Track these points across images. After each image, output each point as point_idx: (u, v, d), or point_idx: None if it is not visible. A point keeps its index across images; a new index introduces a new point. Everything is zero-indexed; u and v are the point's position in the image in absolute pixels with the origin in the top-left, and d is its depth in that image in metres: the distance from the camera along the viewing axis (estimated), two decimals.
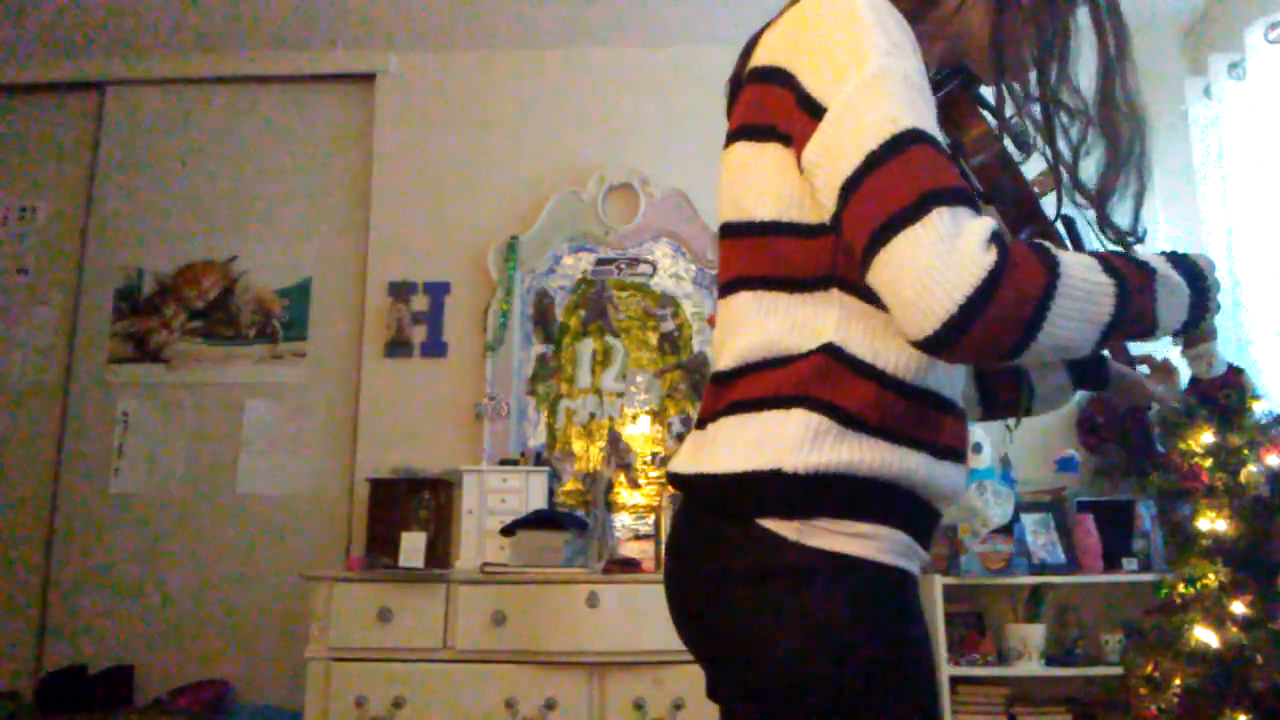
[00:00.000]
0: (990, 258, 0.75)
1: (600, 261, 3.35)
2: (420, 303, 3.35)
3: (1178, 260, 0.90)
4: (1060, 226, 1.03)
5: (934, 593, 2.65)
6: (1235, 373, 2.54)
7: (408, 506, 2.91)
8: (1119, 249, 0.97)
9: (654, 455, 3.19)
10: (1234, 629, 2.25)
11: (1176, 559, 2.47)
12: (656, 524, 3.08)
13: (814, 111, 0.84)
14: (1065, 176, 0.98)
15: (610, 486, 3.14)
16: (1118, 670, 2.61)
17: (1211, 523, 2.36)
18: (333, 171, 3.54)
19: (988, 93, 1.08)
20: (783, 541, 0.84)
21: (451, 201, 3.44)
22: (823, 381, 0.86)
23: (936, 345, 0.77)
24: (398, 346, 3.32)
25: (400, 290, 3.35)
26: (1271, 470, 2.34)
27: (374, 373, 3.32)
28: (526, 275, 3.33)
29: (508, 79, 3.53)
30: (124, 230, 3.52)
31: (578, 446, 3.21)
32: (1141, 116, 0.96)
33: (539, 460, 3.13)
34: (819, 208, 0.87)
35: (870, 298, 0.87)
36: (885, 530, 0.85)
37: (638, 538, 3.08)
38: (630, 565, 2.77)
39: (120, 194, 3.55)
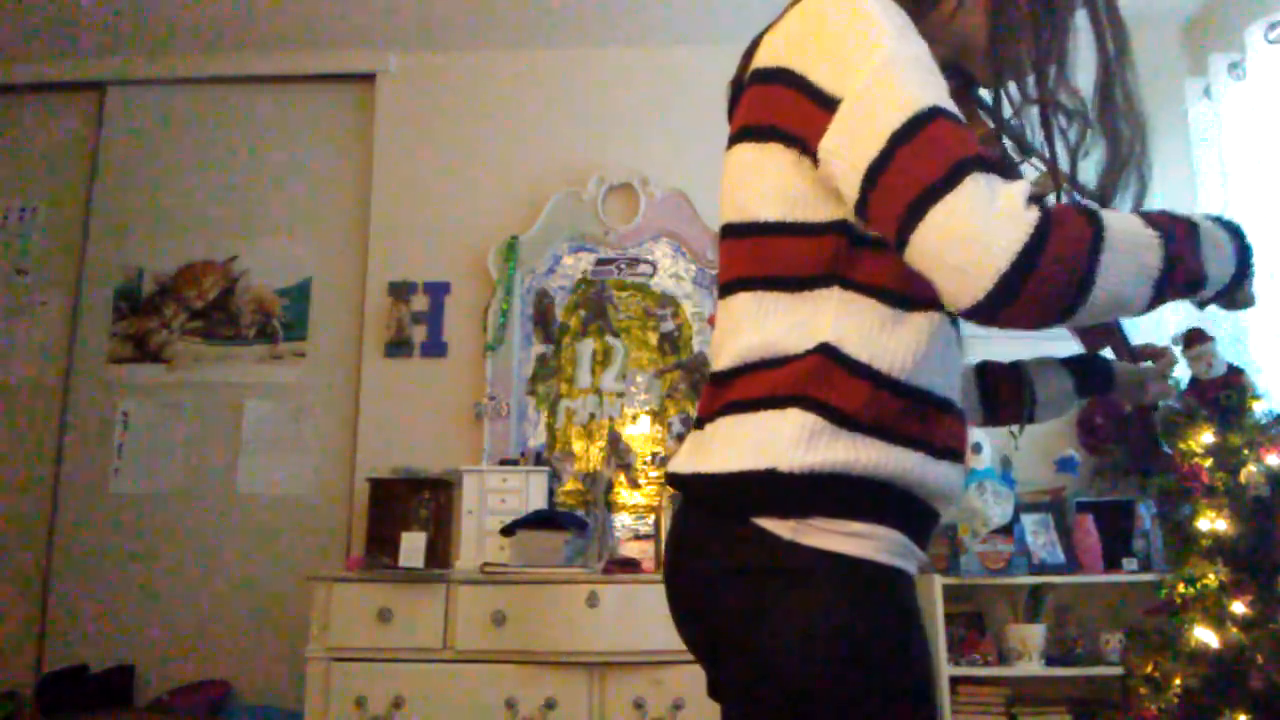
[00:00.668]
0: (1034, 214, 0.75)
1: (600, 261, 3.35)
2: (420, 303, 3.35)
3: (1214, 218, 0.89)
4: None
5: (934, 593, 2.65)
6: (1235, 373, 2.54)
7: (408, 506, 2.91)
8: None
9: (654, 455, 3.19)
10: (1234, 629, 2.24)
11: (1176, 559, 2.47)
12: (656, 524, 3.09)
13: (827, 104, 0.84)
14: (1064, 178, 0.98)
15: (610, 486, 3.14)
16: (1118, 670, 2.61)
17: (1211, 523, 2.36)
18: (333, 171, 3.54)
19: (988, 95, 1.08)
20: (778, 541, 0.84)
21: (451, 201, 3.44)
22: (818, 381, 0.86)
23: (991, 309, 0.76)
24: (398, 346, 3.32)
25: (400, 290, 3.35)
26: (1271, 470, 2.34)
27: (374, 373, 3.32)
28: (526, 275, 3.34)
29: (508, 79, 3.53)
30: (124, 230, 3.52)
31: (578, 446, 3.22)
32: (1141, 117, 0.97)
33: (539, 460, 3.13)
34: (823, 206, 0.88)
35: (872, 293, 0.87)
36: (881, 530, 0.85)
37: (638, 538, 3.08)
38: (630, 565, 2.77)
39: (120, 194, 3.55)
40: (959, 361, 0.96)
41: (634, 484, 3.17)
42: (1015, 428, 1.28)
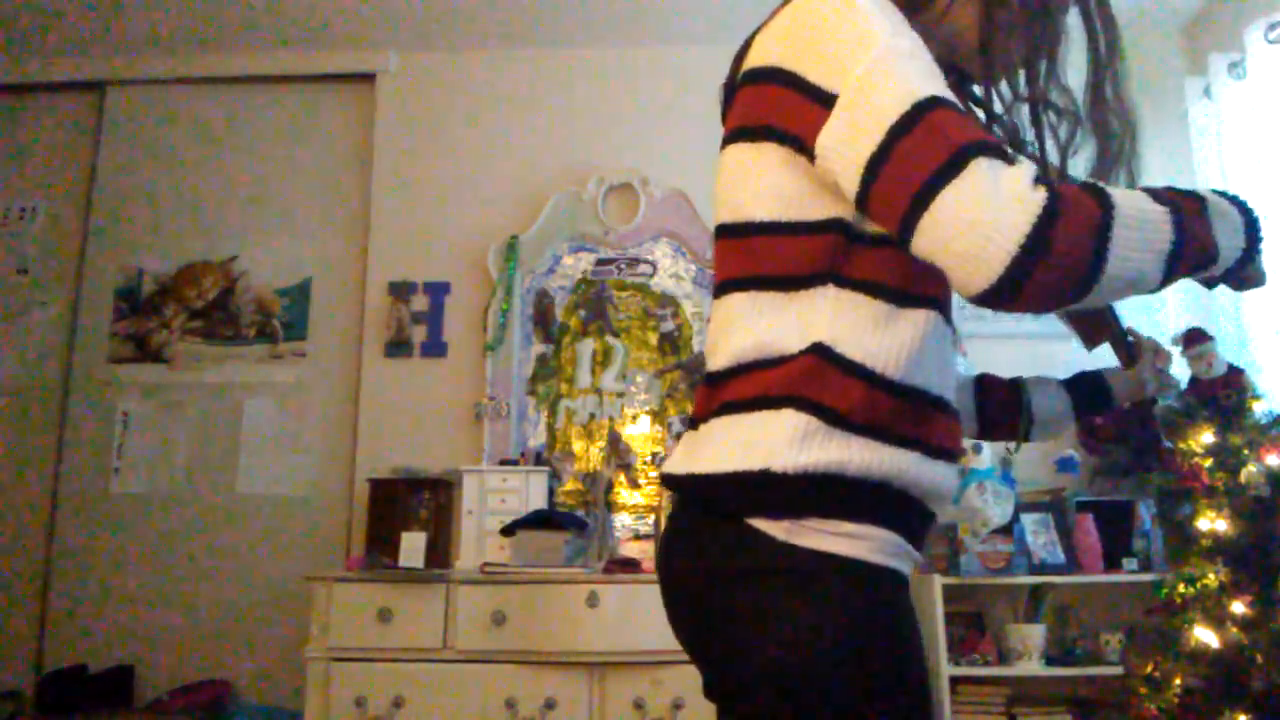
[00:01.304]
0: (1041, 195, 0.74)
1: (600, 261, 3.35)
2: (420, 303, 3.35)
3: (1219, 193, 0.88)
4: None
5: (934, 593, 2.65)
6: (1235, 373, 2.54)
7: (408, 506, 2.91)
8: None
9: (654, 455, 3.19)
10: (1234, 629, 2.25)
11: (1176, 559, 2.47)
12: (656, 524, 3.08)
13: (823, 100, 0.84)
14: (1055, 175, 0.98)
15: (610, 486, 3.14)
16: (1118, 670, 2.61)
17: (1211, 523, 2.36)
18: (333, 171, 3.54)
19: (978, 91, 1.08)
20: (772, 541, 0.84)
21: (451, 201, 3.44)
22: (812, 381, 0.86)
23: (1002, 294, 0.75)
24: (398, 346, 3.32)
25: (400, 290, 3.35)
26: (1271, 470, 2.34)
27: (374, 373, 3.32)
28: (526, 275, 3.34)
29: (508, 79, 3.53)
30: (124, 230, 3.52)
31: (578, 446, 3.22)
32: (1132, 114, 0.97)
33: (539, 460, 3.13)
34: (819, 204, 0.87)
35: (867, 289, 0.87)
36: (875, 530, 0.85)
37: (638, 538, 3.08)
38: (630, 565, 2.77)
39: (120, 194, 3.55)
40: (954, 361, 0.95)
41: (634, 484, 3.16)
42: (1011, 445, 1.28)
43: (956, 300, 0.91)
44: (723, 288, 0.95)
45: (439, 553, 2.86)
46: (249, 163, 3.56)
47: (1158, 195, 0.81)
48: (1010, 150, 0.87)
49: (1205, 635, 2.27)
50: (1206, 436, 2.46)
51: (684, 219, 3.33)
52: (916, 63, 0.83)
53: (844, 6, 0.85)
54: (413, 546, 2.71)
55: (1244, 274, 0.91)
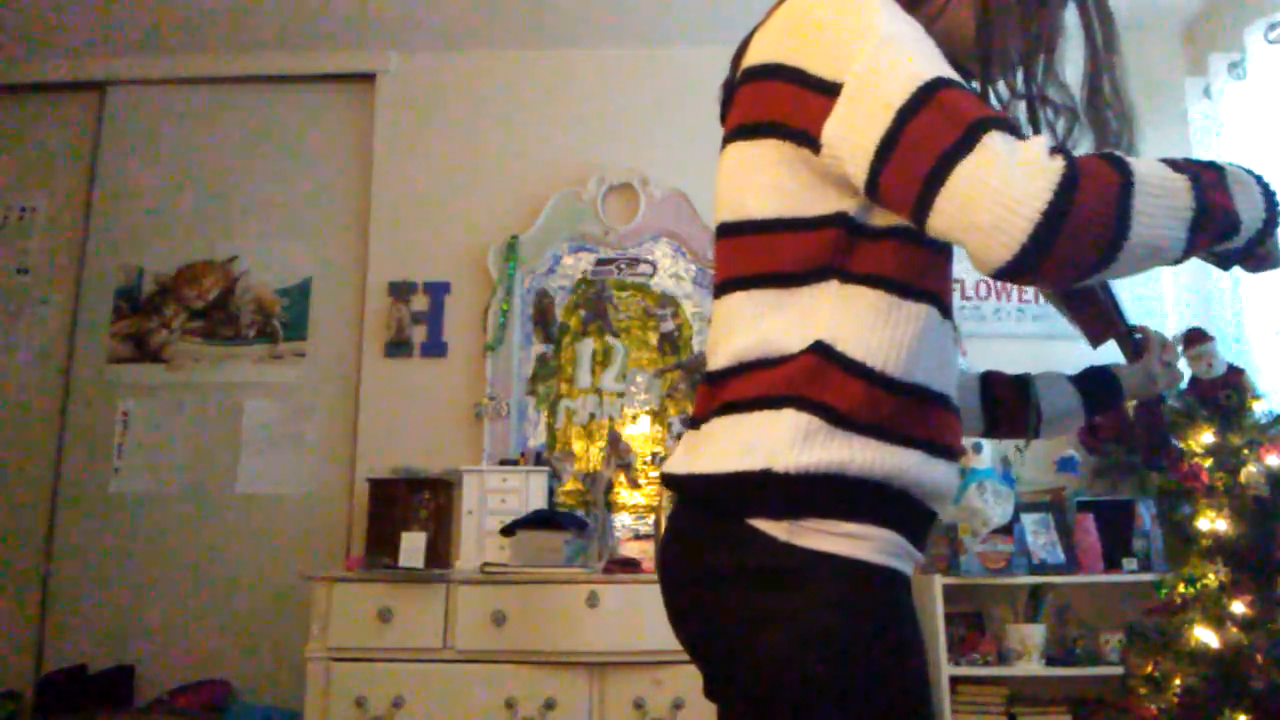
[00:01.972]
0: (1059, 162, 0.73)
1: (600, 261, 3.35)
2: (420, 303, 3.35)
3: (1235, 165, 0.87)
4: None
5: (934, 593, 2.65)
6: (1235, 373, 2.54)
7: (408, 506, 2.91)
8: None
9: (654, 455, 3.19)
10: (1234, 629, 2.25)
11: (1176, 559, 2.47)
12: (656, 524, 3.08)
13: (827, 91, 0.84)
14: None
15: (610, 486, 3.14)
16: (1118, 670, 2.61)
17: (1211, 523, 2.36)
18: (333, 171, 3.54)
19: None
20: (773, 542, 0.84)
21: (451, 201, 3.44)
22: (813, 381, 0.85)
23: (1025, 265, 0.74)
24: (398, 346, 3.32)
25: (400, 290, 3.35)
26: (1271, 470, 2.34)
27: (374, 373, 3.32)
28: (526, 275, 3.34)
29: (508, 79, 3.53)
30: (124, 230, 3.52)
31: (578, 446, 3.21)
32: (1129, 109, 0.96)
33: (539, 460, 3.13)
34: (821, 199, 0.87)
35: (870, 283, 0.87)
36: (876, 530, 0.85)
37: (638, 538, 3.08)
38: (630, 565, 2.77)
39: (120, 194, 3.55)
40: (955, 358, 0.95)
41: (634, 484, 3.16)
42: (1021, 442, 1.27)
43: (956, 300, 0.91)
44: (723, 287, 0.95)
45: (439, 553, 2.86)
46: (249, 163, 3.56)
47: (1175, 164, 0.80)
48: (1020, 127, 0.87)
49: (1205, 635, 2.27)
50: (1206, 436, 2.46)
51: (684, 219, 3.33)
52: (919, 46, 0.83)
53: (848, 4, 0.85)
54: (413, 546, 2.71)
55: (1260, 252, 0.89)
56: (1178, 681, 2.28)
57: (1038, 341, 3.14)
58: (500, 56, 3.55)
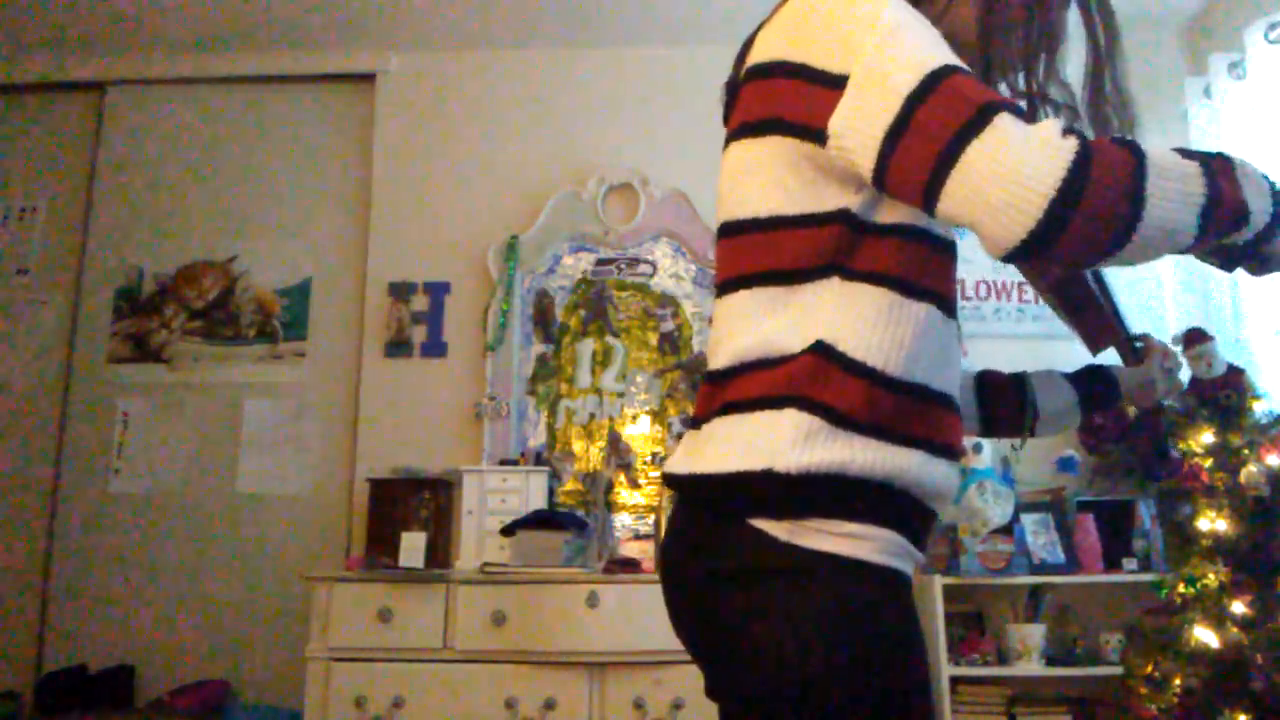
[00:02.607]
0: (1072, 141, 0.73)
1: (600, 261, 3.35)
2: (420, 303, 3.35)
3: (1241, 159, 0.86)
4: None
5: (934, 593, 2.65)
6: (1235, 373, 2.54)
7: (408, 506, 2.91)
8: None
9: (654, 455, 3.19)
10: (1234, 629, 2.24)
11: (1176, 559, 2.47)
12: (656, 524, 3.08)
13: (834, 83, 0.83)
14: None
15: (610, 486, 3.14)
16: (1118, 670, 2.61)
17: (1211, 523, 2.36)
18: (333, 171, 3.54)
19: None
20: (774, 542, 0.84)
21: (451, 201, 3.44)
22: (814, 381, 0.85)
23: (1040, 243, 0.73)
24: (398, 346, 3.32)
25: (400, 290, 3.35)
26: (1271, 470, 2.34)
27: (374, 373, 3.32)
28: (526, 275, 3.34)
29: (508, 79, 3.53)
30: (124, 230, 3.52)
31: (578, 446, 3.21)
32: (1131, 108, 0.96)
33: (539, 460, 3.13)
34: (824, 195, 0.87)
35: (873, 280, 0.86)
36: (877, 530, 0.85)
37: (638, 538, 3.08)
38: (630, 565, 2.77)
39: (120, 194, 3.55)
40: (958, 357, 0.95)
41: (634, 484, 3.16)
42: (1016, 441, 1.26)
43: (957, 299, 0.91)
44: (725, 286, 0.95)
45: (439, 553, 2.86)
46: (249, 163, 3.56)
47: (1185, 151, 0.80)
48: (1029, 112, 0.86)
49: (1205, 635, 2.27)
50: (1206, 436, 2.46)
51: (684, 219, 3.33)
52: (925, 35, 0.83)
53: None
54: (413, 546, 2.71)
55: (1264, 251, 0.88)
56: (1178, 681, 2.28)
57: (1038, 341, 3.14)
58: (500, 56, 3.55)
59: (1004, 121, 0.75)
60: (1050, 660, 2.75)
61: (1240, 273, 0.94)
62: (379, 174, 3.48)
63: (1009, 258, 0.76)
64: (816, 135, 0.85)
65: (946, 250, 0.92)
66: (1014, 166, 0.73)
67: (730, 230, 0.95)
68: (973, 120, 0.76)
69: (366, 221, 3.45)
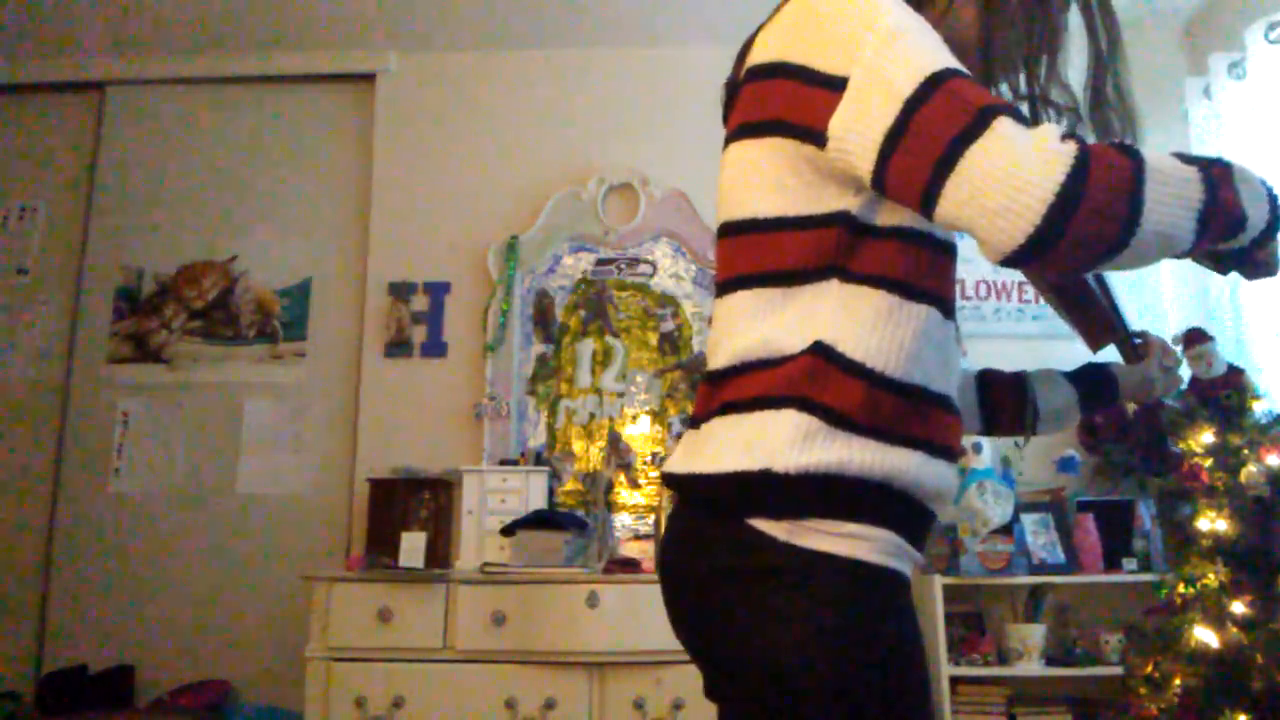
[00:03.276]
0: (1071, 147, 0.73)
1: (600, 261, 3.35)
2: (420, 303, 3.35)
3: (1239, 164, 0.86)
4: None
5: (934, 593, 2.65)
6: (1235, 373, 2.54)
7: (408, 506, 2.91)
8: None
9: (654, 455, 3.19)
10: (1234, 629, 2.24)
11: (1176, 559, 2.47)
12: (656, 524, 3.08)
13: (834, 86, 0.83)
14: None
15: (610, 486, 3.14)
16: (1118, 670, 2.61)
17: (1211, 523, 2.36)
18: (333, 171, 3.54)
19: None
20: (773, 542, 0.84)
21: (451, 201, 3.44)
22: (813, 382, 0.85)
23: (1038, 248, 0.73)
24: (398, 346, 3.32)
25: (400, 290, 3.35)
26: (1271, 470, 2.34)
27: (374, 373, 3.32)
28: (526, 275, 3.34)
29: (508, 79, 3.53)
30: (124, 230, 3.52)
31: (578, 446, 3.21)
32: (1133, 110, 0.96)
33: (539, 460, 3.13)
34: (823, 197, 0.87)
35: (872, 283, 0.86)
36: (875, 530, 0.85)
37: (638, 538, 3.08)
38: (630, 565, 2.77)
39: (120, 194, 3.55)
40: (957, 358, 0.95)
41: (634, 484, 3.16)
42: (1019, 439, 1.26)
43: (956, 300, 0.91)
44: (725, 286, 0.95)
45: (439, 553, 2.86)
46: (249, 163, 3.56)
47: (1184, 157, 0.81)
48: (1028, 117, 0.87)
49: (1205, 635, 2.27)
50: (1206, 436, 2.46)
51: (684, 219, 3.33)
52: (925, 39, 0.83)
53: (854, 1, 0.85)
54: (413, 546, 2.71)
55: (1259, 256, 0.89)
56: (1178, 681, 2.28)
57: (1038, 341, 3.14)
58: (500, 56, 3.55)
59: (1003, 126, 0.75)
60: (1050, 660, 2.75)
61: (1235, 275, 0.94)
62: (379, 174, 3.48)
63: (1007, 262, 0.76)
64: (816, 138, 0.85)
65: (946, 252, 0.92)
66: (1012, 171, 0.73)
67: (730, 230, 0.95)
68: (972, 124, 0.76)
69: (366, 221, 3.45)
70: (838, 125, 0.83)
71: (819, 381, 0.85)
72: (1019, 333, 3.21)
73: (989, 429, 1.24)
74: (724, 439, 0.89)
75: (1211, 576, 2.32)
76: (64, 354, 3.44)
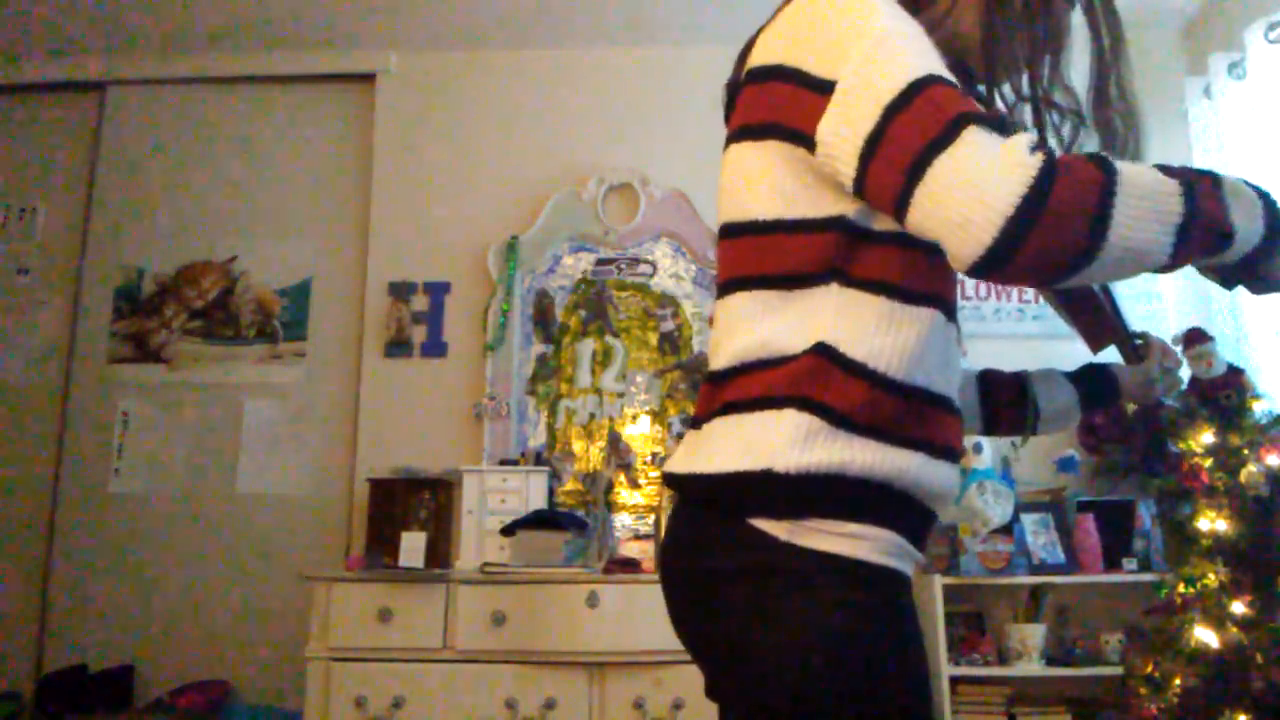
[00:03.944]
0: (1038, 159, 0.72)
1: (600, 261, 3.35)
2: (420, 303, 3.35)
3: (1240, 180, 0.85)
4: None
5: (934, 593, 2.65)
6: (1235, 373, 2.54)
7: (408, 506, 2.91)
8: None
9: (654, 455, 3.19)
10: (1234, 629, 2.24)
11: (1176, 559, 2.47)
12: (656, 524, 3.08)
13: (823, 89, 0.83)
14: None
15: (610, 486, 3.14)
16: (1118, 670, 2.61)
17: (1211, 523, 2.36)
18: (333, 171, 3.54)
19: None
20: (774, 542, 0.84)
21: (452, 201, 3.44)
22: (815, 382, 0.85)
23: (996, 261, 0.73)
24: (398, 346, 3.32)
25: (400, 290, 3.35)
26: (1271, 470, 2.34)
27: (374, 373, 3.32)
28: (526, 275, 3.34)
29: (507, 79, 3.53)
30: (124, 230, 3.52)
31: (578, 446, 3.21)
32: (1136, 112, 0.96)
33: (539, 460, 3.13)
34: (821, 201, 0.87)
35: (871, 288, 0.86)
36: (876, 530, 0.85)
37: (638, 538, 3.08)
38: (630, 565, 2.77)
39: (120, 194, 3.55)
40: (958, 359, 0.95)
41: (634, 484, 3.16)
42: (1017, 439, 1.26)
43: (957, 299, 0.91)
44: (725, 287, 0.95)
45: (439, 553, 2.86)
46: (249, 163, 3.56)
47: (1168, 169, 0.79)
48: (1010, 125, 0.86)
49: (1205, 635, 2.27)
50: (1206, 436, 2.46)
51: (684, 219, 3.33)
52: (915, 44, 0.83)
53: (845, 2, 0.85)
54: (413, 546, 2.71)
55: (1261, 270, 0.87)
56: (1178, 681, 2.28)
57: (1038, 341, 3.14)
58: (500, 56, 3.55)
59: (972, 135, 0.75)
60: (1050, 660, 2.75)
61: (1241, 290, 0.93)
62: (379, 174, 3.48)
63: (971, 273, 0.75)
64: (808, 142, 0.85)
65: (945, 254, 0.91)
66: (974, 183, 0.73)
67: (731, 232, 0.95)
68: (944, 133, 0.75)
69: (366, 221, 3.45)
70: (824, 131, 0.83)
71: (821, 381, 0.85)
72: (1019, 333, 3.21)
73: (990, 429, 1.24)
74: (725, 439, 0.89)
75: (1211, 576, 2.32)
76: (64, 354, 3.44)
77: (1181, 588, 2.37)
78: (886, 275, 0.87)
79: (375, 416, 3.28)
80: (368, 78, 3.57)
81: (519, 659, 2.59)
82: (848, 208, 0.87)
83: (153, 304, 3.46)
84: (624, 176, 3.38)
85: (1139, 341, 1.23)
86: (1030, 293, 3.21)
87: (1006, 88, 1.00)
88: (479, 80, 3.54)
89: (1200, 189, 0.78)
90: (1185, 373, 2.50)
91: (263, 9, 3.31)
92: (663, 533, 2.81)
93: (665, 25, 3.40)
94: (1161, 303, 3.15)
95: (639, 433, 3.22)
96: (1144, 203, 0.75)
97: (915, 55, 0.81)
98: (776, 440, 0.84)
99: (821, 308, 0.87)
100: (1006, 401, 1.23)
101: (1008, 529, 2.76)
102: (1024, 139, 0.75)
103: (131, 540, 3.27)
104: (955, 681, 2.69)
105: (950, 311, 0.92)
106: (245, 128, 3.59)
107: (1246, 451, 2.39)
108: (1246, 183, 0.85)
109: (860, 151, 0.80)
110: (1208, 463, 2.43)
